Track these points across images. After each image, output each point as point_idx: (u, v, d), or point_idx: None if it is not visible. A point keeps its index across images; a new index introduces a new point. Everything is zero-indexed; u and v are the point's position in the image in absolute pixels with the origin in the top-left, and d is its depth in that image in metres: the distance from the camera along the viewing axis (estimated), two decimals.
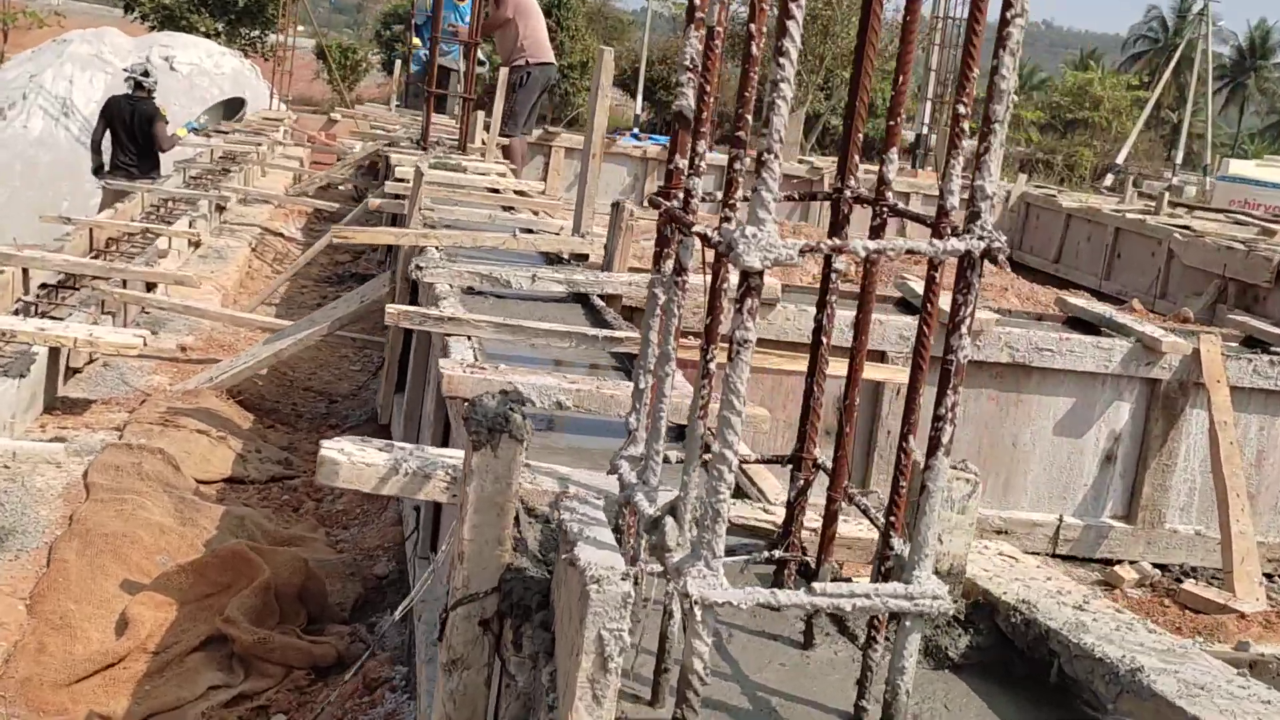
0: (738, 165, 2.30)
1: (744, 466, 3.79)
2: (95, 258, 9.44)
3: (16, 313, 7.71)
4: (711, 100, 2.49)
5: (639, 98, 28.57)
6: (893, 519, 2.47)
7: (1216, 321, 10.39)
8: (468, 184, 9.05)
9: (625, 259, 5.91)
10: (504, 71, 11.47)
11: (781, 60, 2.03)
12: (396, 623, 5.25)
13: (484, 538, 2.64)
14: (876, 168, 2.71)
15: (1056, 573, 3.06)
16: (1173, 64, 35.95)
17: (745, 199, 2.24)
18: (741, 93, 2.25)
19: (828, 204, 2.80)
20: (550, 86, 12.86)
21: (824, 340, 2.81)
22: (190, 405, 6.97)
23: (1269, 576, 7.62)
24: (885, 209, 2.62)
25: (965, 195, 2.24)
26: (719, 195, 2.37)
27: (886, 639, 2.48)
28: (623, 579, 2.17)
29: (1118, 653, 2.53)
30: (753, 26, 2.17)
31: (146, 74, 12.94)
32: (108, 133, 12.68)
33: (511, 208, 8.44)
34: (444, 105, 14.36)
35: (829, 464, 2.83)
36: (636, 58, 30.48)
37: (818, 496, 2.76)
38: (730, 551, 3.24)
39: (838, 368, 2.83)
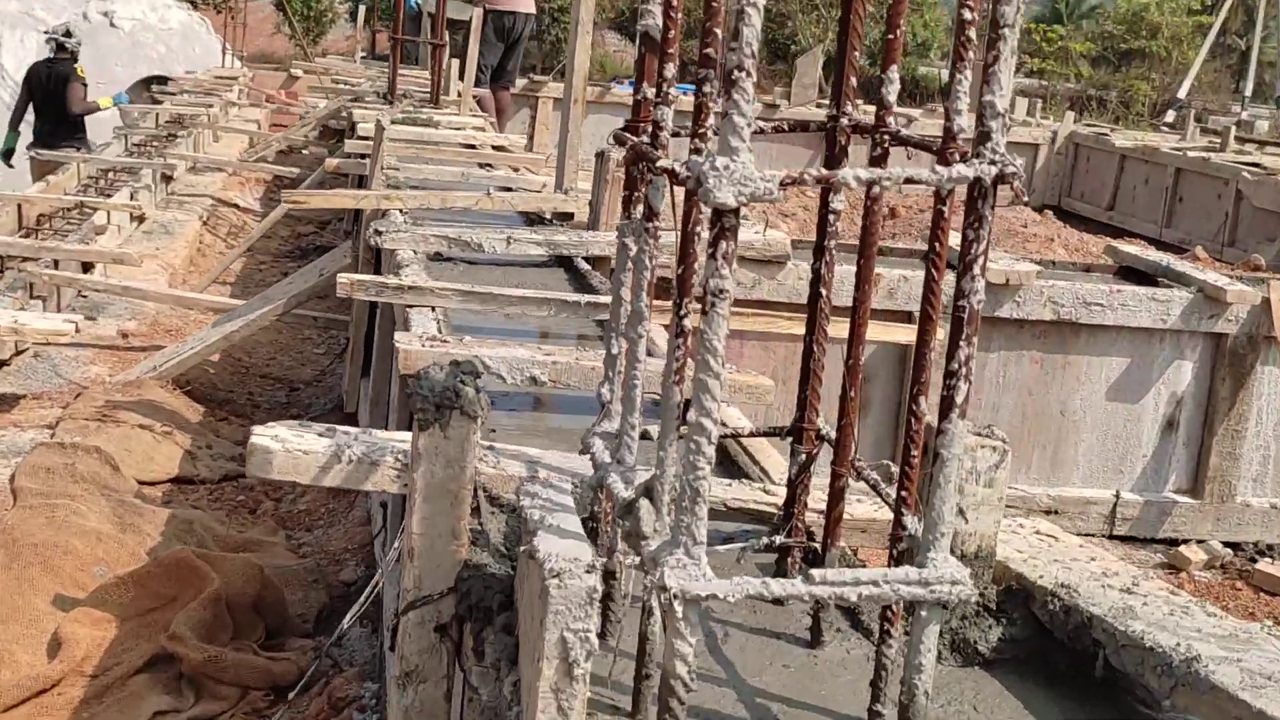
0: (707, 88, 2.21)
1: (745, 443, 3.72)
2: (25, 236, 9.38)
3: None
4: (679, 17, 2.40)
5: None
6: (905, 493, 2.38)
7: None
8: (439, 140, 8.97)
9: (613, 216, 5.83)
10: (476, 14, 11.38)
11: None
12: (366, 635, 5.19)
13: (436, 530, 2.56)
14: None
15: (1102, 552, 2.98)
16: None
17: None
18: (709, 1, 2.16)
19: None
20: (518, 38, 12.81)
21: (823, 292, 2.73)
22: (131, 398, 6.91)
23: None
24: (886, 137, 2.53)
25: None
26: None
27: (906, 633, 2.40)
28: (588, 572, 2.09)
29: (1171, 640, 2.46)
30: None
31: (69, 34, 12.80)
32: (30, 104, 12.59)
33: (489, 165, 8.36)
34: (418, 55, 14.29)
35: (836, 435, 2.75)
36: None
37: (828, 474, 2.69)
38: (728, 539, 3.17)
39: (841, 329, 2.74)
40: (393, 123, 9.12)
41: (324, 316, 8.58)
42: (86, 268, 8.86)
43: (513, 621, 2.44)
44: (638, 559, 2.27)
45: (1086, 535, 7.38)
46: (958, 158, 2.22)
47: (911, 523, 2.37)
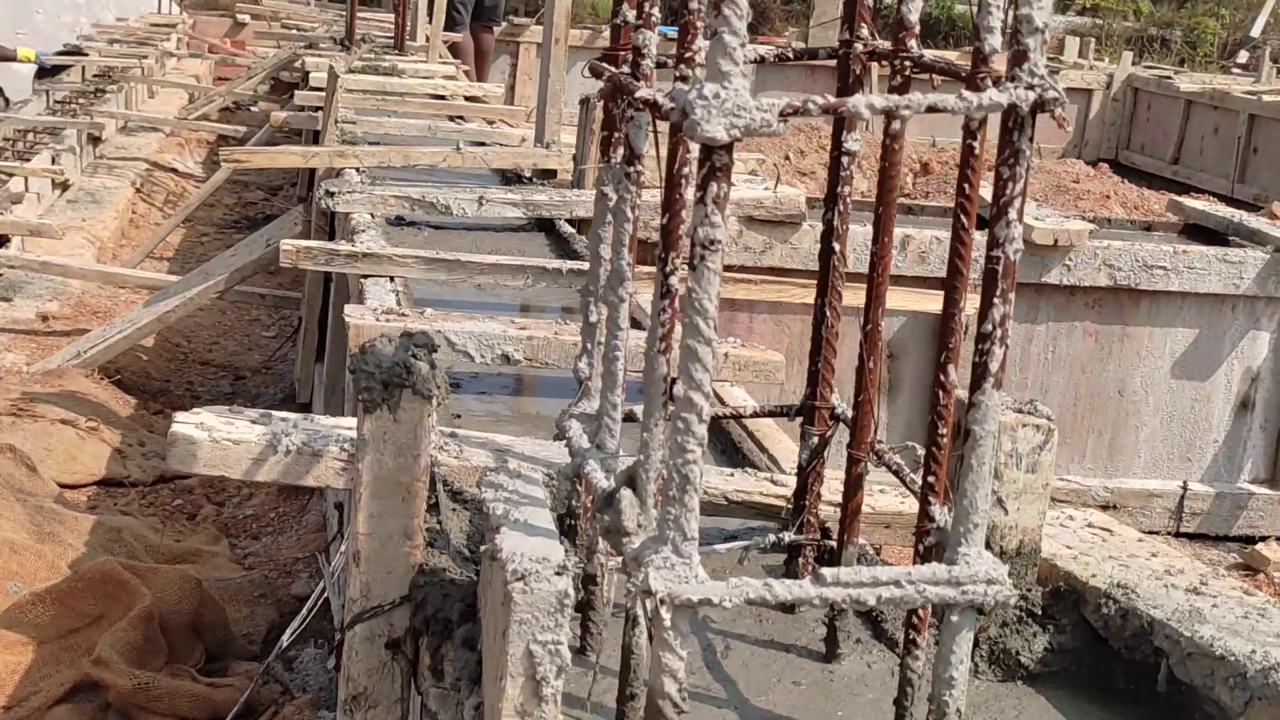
0: (694, 4, 2.14)
1: (752, 427, 3.66)
2: None
3: None
4: None
5: None
6: (932, 479, 2.32)
7: None
8: (404, 90, 8.92)
9: None
10: None
11: None
12: (322, 656, 5.15)
13: (386, 530, 2.51)
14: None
15: (1165, 548, 2.92)
16: None
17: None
18: None
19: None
20: None
21: (836, 248, 2.66)
22: (52, 389, 6.86)
23: None
24: (907, 64, 2.46)
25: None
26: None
27: (935, 642, 2.34)
28: (557, 574, 2.03)
29: (1245, 647, 2.40)
30: None
31: None
32: None
33: (460, 117, 8.31)
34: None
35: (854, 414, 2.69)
36: None
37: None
38: (731, 538, 3.12)
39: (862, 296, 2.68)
40: (350, 71, 9.06)
41: (273, 294, 8.52)
42: (1, 242, 8.79)
43: (475, 634, 2.38)
44: (621, 559, 2.21)
45: (1150, 533, 7.31)
46: (990, 84, 2.15)
47: (940, 513, 2.31)
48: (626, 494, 2.24)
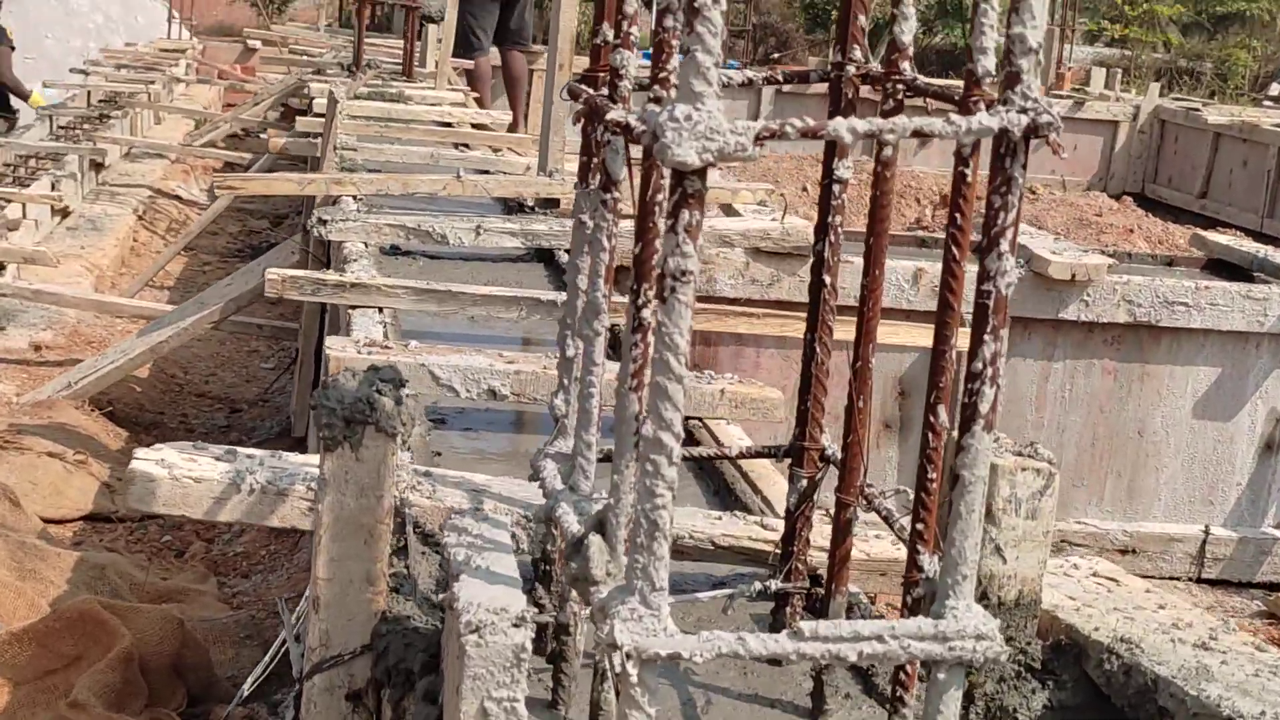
0: (669, 21, 2.05)
1: (746, 468, 3.57)
2: None
3: None
4: None
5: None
6: (921, 527, 2.22)
7: None
8: (410, 117, 8.86)
9: None
10: None
11: None
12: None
13: (347, 575, 2.41)
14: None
15: (1174, 599, 2.82)
16: None
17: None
18: None
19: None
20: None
21: (826, 279, 2.57)
22: (40, 420, 6.79)
23: None
24: (900, 86, 2.37)
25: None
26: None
27: (919, 698, 2.24)
28: (515, 626, 1.93)
29: (1255, 708, 2.31)
30: None
31: None
32: None
33: (465, 145, 8.24)
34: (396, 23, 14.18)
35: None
36: None
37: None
38: (719, 584, 3.02)
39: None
40: (355, 97, 9.02)
41: (271, 325, 8.45)
42: None
43: (437, 687, 2.28)
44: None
45: (1170, 578, 7.21)
46: (983, 107, 2.07)
47: (930, 563, 2.21)
48: (595, 540, 2.15)
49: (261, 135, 14.29)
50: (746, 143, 1.87)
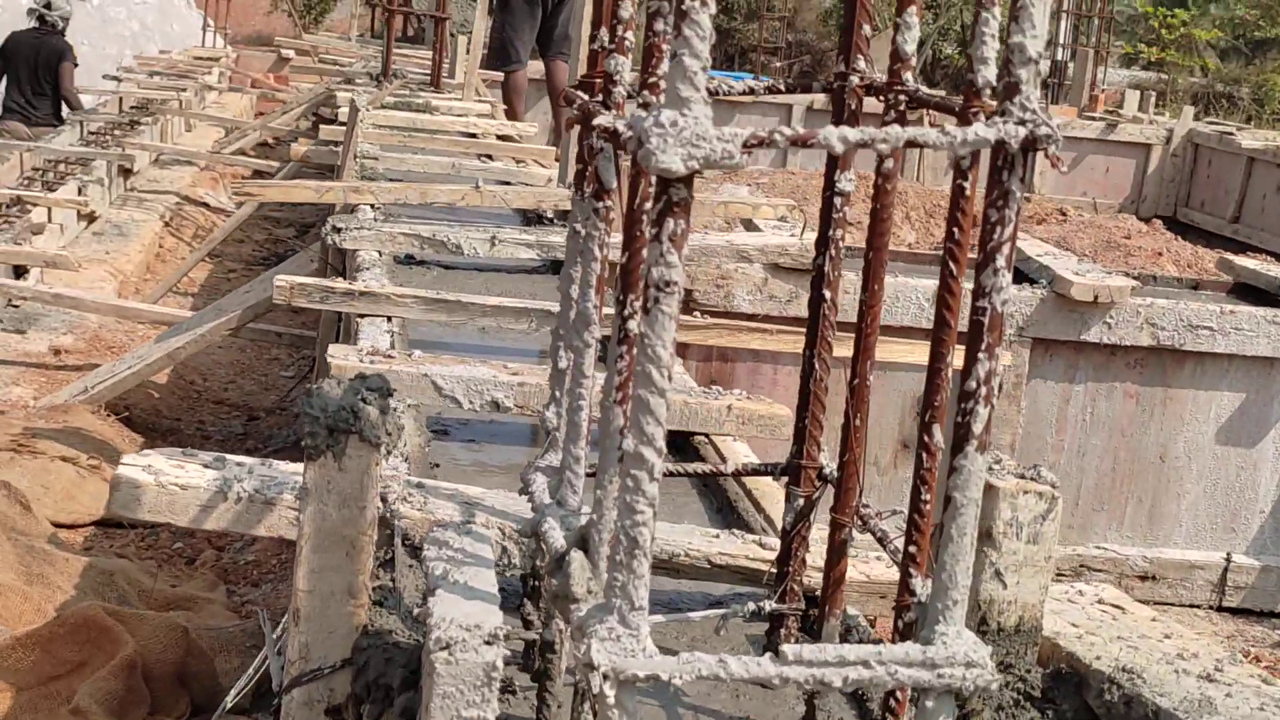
0: (660, 25, 2.00)
1: (750, 486, 3.51)
2: None
3: None
4: None
5: None
6: (914, 549, 2.16)
7: None
8: (435, 127, 8.83)
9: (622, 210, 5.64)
10: None
11: None
12: None
13: (329, 587, 2.36)
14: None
15: (1180, 628, 2.75)
16: None
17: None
18: None
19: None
20: (557, 1, 12.09)
21: (826, 294, 2.51)
22: (55, 425, 6.76)
23: None
24: (903, 97, 2.31)
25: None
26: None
27: None
28: (486, 643, 1.88)
29: None
30: None
31: (49, 6, 13.63)
32: (5, 74, 13.45)
33: (489, 156, 8.20)
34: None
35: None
36: None
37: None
38: (716, 604, 2.96)
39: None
40: (382, 107, 9.00)
41: (290, 332, 8.43)
42: (19, 273, 8.74)
43: (416, 704, 2.23)
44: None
45: (1191, 606, 7.12)
46: (982, 118, 2.00)
47: (922, 586, 2.15)
48: (577, 556, 2.10)
49: (290, 143, 14.31)
50: (734, 150, 1.81)
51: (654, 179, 1.85)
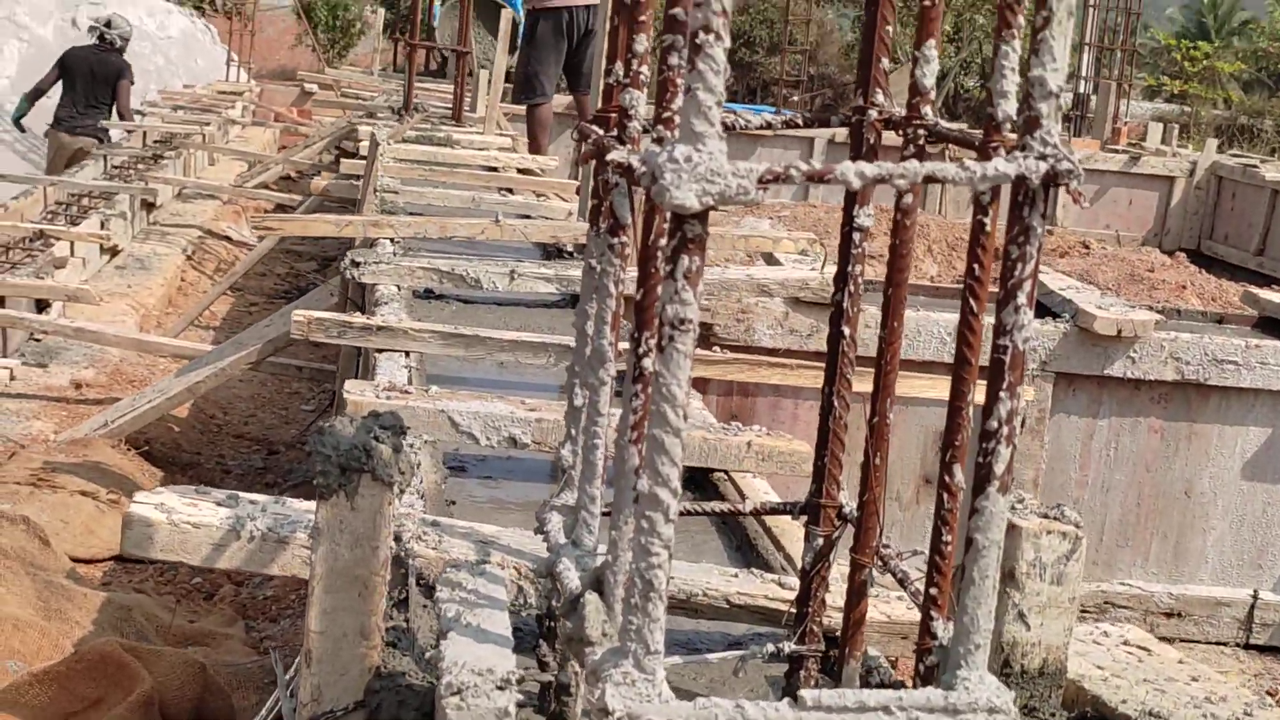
0: (674, 59, 1.97)
1: (769, 524, 3.46)
2: None
3: None
4: None
5: None
6: (935, 591, 2.12)
7: None
8: (455, 161, 8.82)
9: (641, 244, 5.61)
10: (505, 17, 11.24)
11: None
12: None
13: (341, 629, 2.33)
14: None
15: (1208, 670, 2.70)
16: None
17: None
18: None
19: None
20: (587, 31, 11.99)
21: (845, 331, 2.47)
22: (75, 459, 6.74)
23: None
24: (921, 131, 2.28)
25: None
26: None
27: None
28: (499, 689, 1.84)
29: None
30: None
31: (109, 24, 14.37)
32: (58, 85, 14.06)
33: (509, 189, 8.19)
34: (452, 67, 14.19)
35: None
36: None
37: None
38: (735, 644, 2.92)
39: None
40: (403, 140, 9.00)
41: (310, 366, 8.41)
42: (42, 306, 8.75)
43: None
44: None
45: (1217, 643, 7.05)
46: (1002, 153, 1.97)
47: (943, 629, 2.10)
48: (592, 599, 2.06)
49: (313, 177, 14.33)
50: (749, 185, 1.78)
51: (668, 215, 1.82)
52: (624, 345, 2.47)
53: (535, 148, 10.97)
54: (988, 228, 2.04)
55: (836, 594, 2.65)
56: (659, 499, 1.83)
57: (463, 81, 11.02)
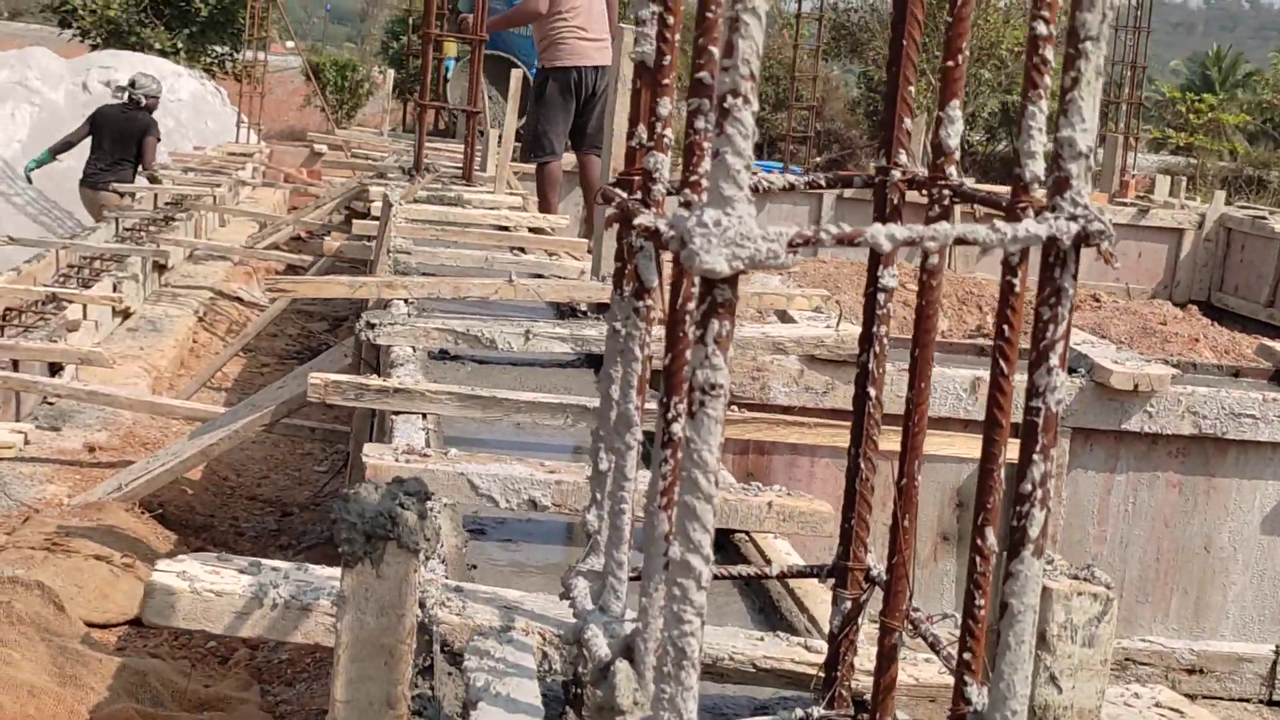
0: (700, 123, 1.97)
1: (794, 587, 3.44)
2: None
3: None
4: (677, 37, 2.18)
5: None
6: (969, 656, 2.09)
7: None
8: (467, 220, 8.83)
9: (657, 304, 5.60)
10: (515, 76, 11.28)
11: None
12: None
13: (367, 698, 2.30)
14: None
15: None
16: None
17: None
18: (703, 11, 1.93)
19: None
20: (592, 93, 12.01)
21: (871, 392, 2.46)
22: (89, 523, 6.73)
23: None
24: (947, 192, 2.27)
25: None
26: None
27: None
28: None
29: None
30: None
31: (134, 84, 15.13)
32: (87, 140, 14.78)
33: (521, 249, 8.20)
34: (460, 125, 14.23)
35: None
36: None
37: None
38: (761, 709, 2.89)
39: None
40: (415, 201, 9.02)
41: (323, 427, 8.39)
42: (55, 370, 8.75)
43: None
44: None
45: (1240, 700, 6.99)
46: (1031, 214, 1.96)
47: (978, 695, 2.08)
48: (622, 666, 2.04)
49: (324, 238, 14.37)
50: (779, 249, 1.77)
51: (697, 280, 1.81)
52: (649, 405, 2.46)
53: (545, 206, 10.98)
54: (1017, 288, 2.03)
55: (863, 655, 2.63)
56: (691, 566, 1.81)
57: (473, 141, 11.04)
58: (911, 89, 2.38)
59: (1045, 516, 1.90)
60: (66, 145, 15.09)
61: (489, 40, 12.30)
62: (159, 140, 15.21)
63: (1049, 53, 1.94)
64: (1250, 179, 36.12)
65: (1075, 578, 2.47)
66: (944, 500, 6.49)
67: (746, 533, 3.82)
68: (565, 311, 6.46)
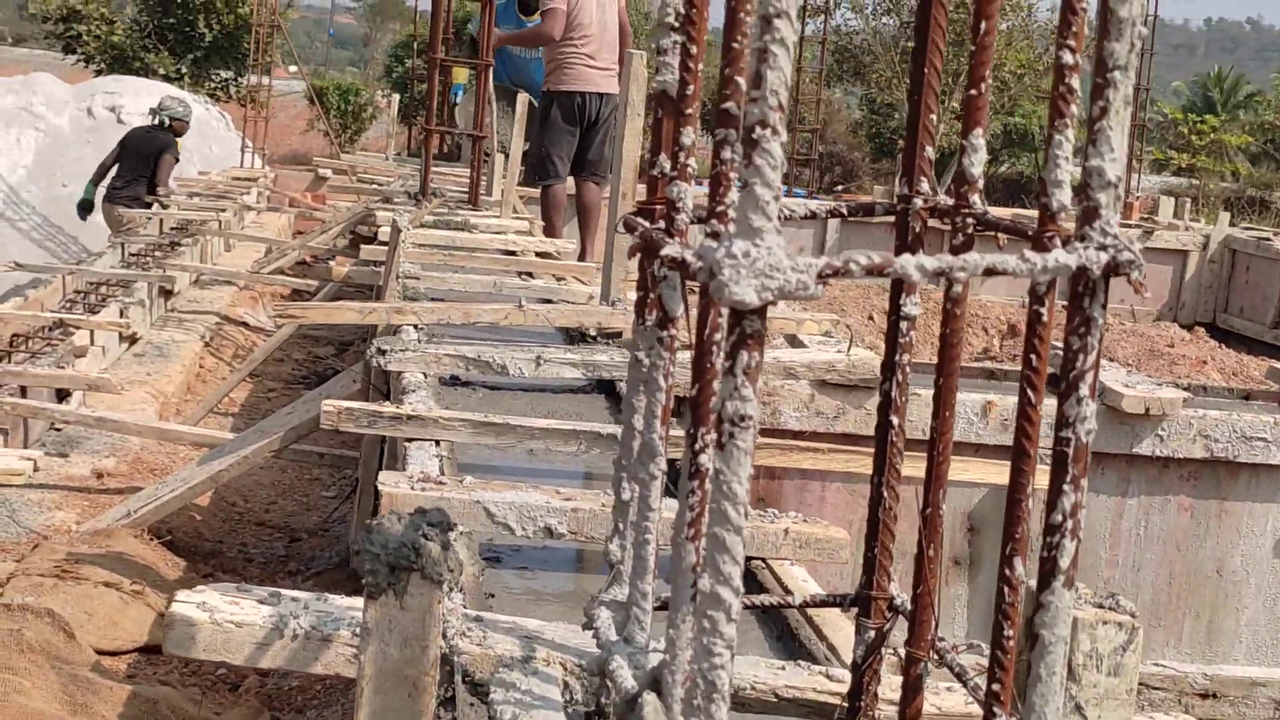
0: (727, 154, 1.96)
1: (812, 615, 3.43)
2: None
3: None
4: (699, 66, 2.18)
5: None
6: (997, 686, 2.08)
7: None
8: (474, 245, 8.84)
9: None
10: (521, 100, 11.29)
11: None
12: None
13: None
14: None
15: None
16: None
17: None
18: (729, 42, 1.93)
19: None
20: (595, 120, 12.01)
21: (894, 420, 2.45)
22: (98, 550, 6.71)
23: None
24: (970, 220, 2.27)
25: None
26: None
27: None
28: None
29: None
30: None
31: (161, 106, 15.90)
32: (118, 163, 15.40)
33: (529, 273, 8.20)
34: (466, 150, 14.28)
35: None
36: None
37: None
38: None
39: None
40: (421, 225, 9.03)
41: (332, 453, 8.38)
42: (62, 396, 8.74)
43: None
44: None
45: None
46: (1058, 243, 1.95)
47: None
48: (650, 699, 2.03)
49: (329, 262, 14.37)
50: (809, 280, 1.76)
51: (726, 311, 1.80)
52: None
53: (550, 229, 10.98)
54: (1044, 317, 2.03)
55: (885, 685, 2.61)
56: (721, 598, 1.80)
57: (479, 165, 11.05)
58: (934, 116, 2.38)
59: (1076, 547, 1.89)
60: (102, 170, 15.69)
61: (499, 72, 12.34)
62: (176, 160, 15.77)
63: (1075, 81, 1.94)
64: (1253, 200, 36.13)
65: (1100, 606, 2.46)
66: (955, 525, 6.48)
67: (763, 559, 3.82)
68: (575, 336, 6.46)
